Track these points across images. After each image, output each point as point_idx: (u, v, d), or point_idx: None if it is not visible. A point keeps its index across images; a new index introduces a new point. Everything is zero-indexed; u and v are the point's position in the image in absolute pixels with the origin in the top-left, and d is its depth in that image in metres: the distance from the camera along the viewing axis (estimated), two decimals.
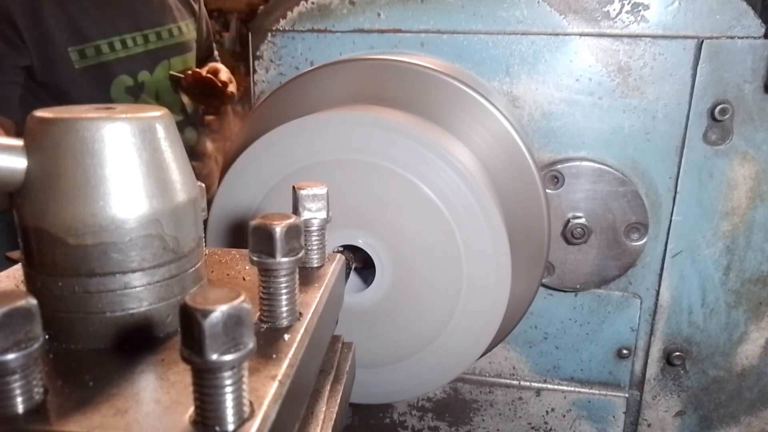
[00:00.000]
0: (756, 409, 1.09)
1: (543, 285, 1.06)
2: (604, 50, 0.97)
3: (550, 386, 1.14)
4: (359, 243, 0.72)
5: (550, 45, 0.98)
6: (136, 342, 0.43)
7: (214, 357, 0.31)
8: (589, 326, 1.09)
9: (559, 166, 1.00)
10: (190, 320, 0.31)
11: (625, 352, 1.09)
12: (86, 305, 0.42)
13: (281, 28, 1.05)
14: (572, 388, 1.13)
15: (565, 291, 1.07)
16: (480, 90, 0.90)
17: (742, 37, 0.92)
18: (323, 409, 0.53)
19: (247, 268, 0.55)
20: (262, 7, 1.10)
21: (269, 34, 1.06)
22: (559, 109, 1.00)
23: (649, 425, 1.13)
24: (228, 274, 0.54)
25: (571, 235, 1.00)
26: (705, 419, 1.11)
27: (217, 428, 0.33)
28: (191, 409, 0.34)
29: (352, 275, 0.77)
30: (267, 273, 0.44)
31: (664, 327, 1.07)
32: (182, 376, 0.39)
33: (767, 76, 0.92)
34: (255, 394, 0.36)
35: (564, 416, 1.14)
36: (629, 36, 0.96)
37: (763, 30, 0.91)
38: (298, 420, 0.45)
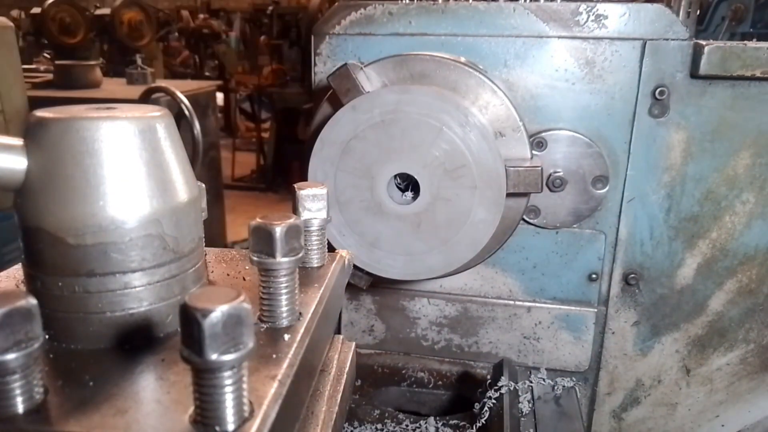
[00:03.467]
0: (691, 317, 1.44)
1: (532, 224, 1.41)
2: (576, 48, 1.32)
3: (537, 304, 1.48)
4: (409, 171, 1.09)
5: (536, 45, 1.33)
6: (136, 342, 0.43)
7: (214, 357, 0.31)
8: (567, 257, 1.44)
9: (543, 134, 1.35)
10: (190, 320, 0.31)
11: (594, 276, 1.44)
12: (86, 305, 0.42)
13: (336, 33, 1.40)
14: (555, 306, 1.47)
15: (548, 229, 1.42)
16: (487, 76, 1.25)
17: (674, 39, 1.27)
18: (323, 409, 0.52)
19: (247, 268, 0.55)
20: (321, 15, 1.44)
21: (327, 37, 1.41)
22: (543, 92, 1.35)
23: (613, 333, 1.48)
24: (228, 274, 0.54)
25: (552, 185, 1.35)
26: (655, 327, 1.46)
27: (217, 428, 0.33)
28: (191, 409, 0.34)
29: (406, 193, 1.13)
30: (267, 273, 0.44)
31: (623, 256, 1.42)
32: (182, 376, 0.38)
33: (692, 67, 1.27)
34: (255, 394, 0.36)
35: (548, 327, 1.49)
36: (594, 38, 1.31)
37: (688, 34, 1.27)
38: (298, 420, 0.44)
